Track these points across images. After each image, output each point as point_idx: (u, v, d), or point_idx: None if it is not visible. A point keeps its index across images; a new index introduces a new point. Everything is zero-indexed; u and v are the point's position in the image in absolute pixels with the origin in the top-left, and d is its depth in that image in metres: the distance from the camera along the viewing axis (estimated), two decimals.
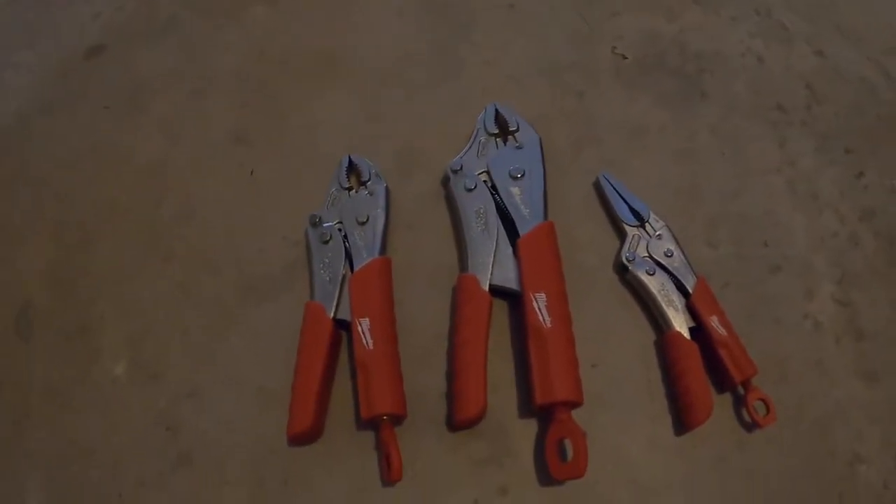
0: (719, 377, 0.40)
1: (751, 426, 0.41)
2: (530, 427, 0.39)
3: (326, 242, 0.42)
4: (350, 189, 0.44)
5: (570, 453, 0.37)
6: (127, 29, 0.55)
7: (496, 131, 0.45)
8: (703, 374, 0.39)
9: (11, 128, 0.51)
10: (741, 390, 0.41)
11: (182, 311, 0.44)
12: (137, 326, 0.44)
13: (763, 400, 0.40)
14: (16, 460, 0.41)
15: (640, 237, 0.43)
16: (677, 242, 0.43)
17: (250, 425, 0.41)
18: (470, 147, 0.45)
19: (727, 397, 0.41)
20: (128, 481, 0.40)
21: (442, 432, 0.40)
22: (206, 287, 0.44)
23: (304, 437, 0.39)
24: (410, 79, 0.51)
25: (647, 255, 0.43)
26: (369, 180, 0.44)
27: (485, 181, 0.43)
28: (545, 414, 0.38)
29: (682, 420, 0.39)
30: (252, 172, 0.47)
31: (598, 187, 0.46)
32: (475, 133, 0.45)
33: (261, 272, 0.44)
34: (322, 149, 0.47)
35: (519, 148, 0.44)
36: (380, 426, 0.38)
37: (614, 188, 0.45)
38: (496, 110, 0.45)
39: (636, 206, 0.44)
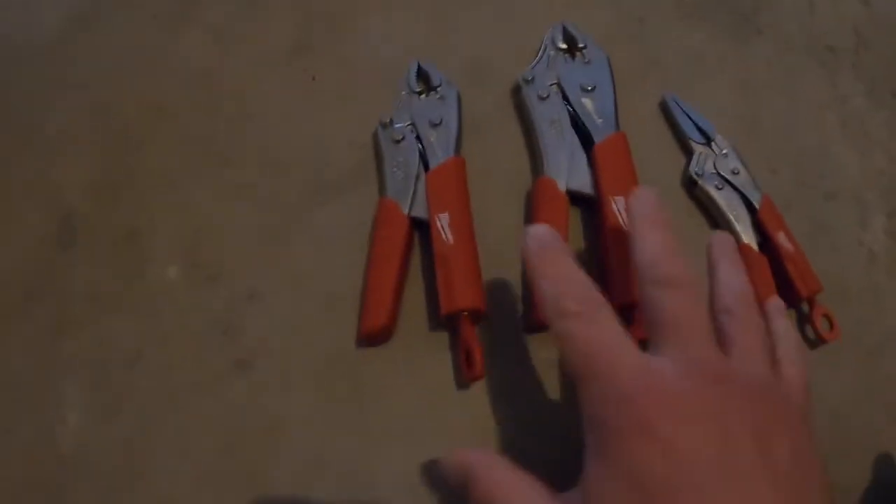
0: (785, 292, 0.40)
1: (814, 342, 0.41)
2: None
3: (399, 142, 0.41)
4: (420, 93, 0.43)
5: None
6: None
7: (564, 47, 0.45)
8: (773, 284, 0.40)
9: (52, 39, 0.49)
10: (805, 307, 0.41)
11: (240, 214, 0.42)
12: (192, 230, 0.42)
13: (827, 316, 0.40)
14: (57, 371, 0.39)
15: (707, 154, 0.43)
16: (743, 161, 0.43)
17: (316, 328, 0.39)
18: (539, 60, 0.45)
19: (791, 313, 0.42)
20: (179, 386, 0.38)
21: (517, 337, 0.39)
22: (266, 189, 0.43)
23: (377, 335, 0.37)
24: None
25: (714, 171, 0.43)
26: (440, 85, 0.43)
27: (556, 92, 0.43)
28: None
29: None
30: (314, 78, 0.46)
31: (664, 107, 0.46)
32: (543, 48, 0.45)
33: (325, 174, 0.43)
34: (385, 57, 0.46)
35: (588, 63, 0.44)
36: (459, 322, 0.36)
37: (680, 107, 0.45)
38: (564, 27, 0.45)
39: (703, 125, 0.44)
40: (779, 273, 0.40)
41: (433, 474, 0.35)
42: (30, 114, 0.46)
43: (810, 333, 0.41)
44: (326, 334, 0.39)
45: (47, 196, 0.44)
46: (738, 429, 0.25)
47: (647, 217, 0.31)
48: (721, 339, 0.30)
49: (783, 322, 0.34)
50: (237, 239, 0.42)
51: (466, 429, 0.37)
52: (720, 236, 0.33)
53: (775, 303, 0.35)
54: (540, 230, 0.30)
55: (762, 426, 0.25)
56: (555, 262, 0.29)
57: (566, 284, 0.28)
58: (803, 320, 0.41)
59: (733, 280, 0.31)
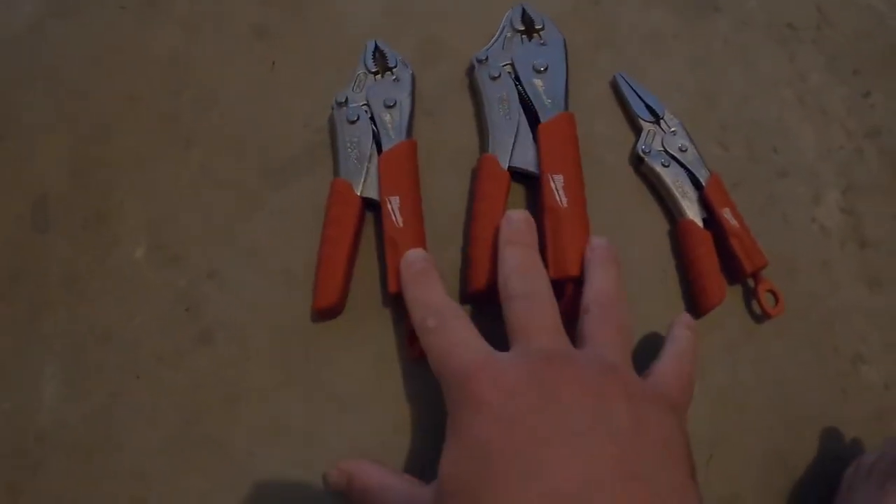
0: (730, 268, 0.42)
1: (760, 317, 0.42)
2: None
3: (353, 122, 0.42)
4: (376, 73, 0.44)
5: None
6: None
7: (522, 28, 0.46)
8: (716, 259, 0.41)
9: (23, 29, 0.50)
10: (751, 282, 0.42)
11: (203, 195, 0.44)
12: (157, 211, 0.44)
13: (772, 291, 0.41)
14: (33, 347, 0.41)
15: (655, 132, 0.44)
16: (691, 139, 0.44)
17: (272, 304, 0.41)
18: (496, 41, 0.45)
19: (737, 289, 0.43)
20: (146, 361, 0.40)
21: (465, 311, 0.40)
22: (227, 171, 0.44)
23: (329, 311, 0.39)
24: None
25: (662, 148, 0.44)
26: (395, 66, 0.44)
27: (508, 72, 0.44)
28: (558, 290, 0.38)
29: (697, 304, 0.41)
30: (273, 64, 0.47)
31: (614, 86, 0.47)
32: (501, 28, 0.46)
33: (283, 156, 0.44)
34: (343, 41, 0.47)
35: (543, 45, 0.45)
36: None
37: (630, 86, 0.46)
38: (523, 9, 0.46)
39: (651, 104, 0.45)
40: (724, 249, 0.41)
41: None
42: (4, 101, 0.48)
43: (756, 308, 0.42)
44: (282, 309, 0.41)
45: (22, 180, 0.45)
46: (569, 398, 0.27)
47: (507, 238, 0.35)
48: (579, 337, 0.33)
49: (681, 330, 0.36)
50: (199, 220, 0.43)
51: (412, 398, 0.39)
52: (595, 242, 0.37)
53: (683, 316, 0.38)
54: (412, 256, 0.36)
55: (600, 396, 0.27)
56: (422, 286, 0.34)
57: (427, 305, 0.33)
58: (749, 295, 0.42)
59: (597, 282, 0.35)
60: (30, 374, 0.40)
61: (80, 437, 0.39)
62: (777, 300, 0.41)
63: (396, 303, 0.39)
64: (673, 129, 0.44)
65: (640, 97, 0.45)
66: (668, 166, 0.43)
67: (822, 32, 0.51)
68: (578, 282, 0.38)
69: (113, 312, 0.42)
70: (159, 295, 0.42)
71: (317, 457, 0.38)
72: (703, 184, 0.42)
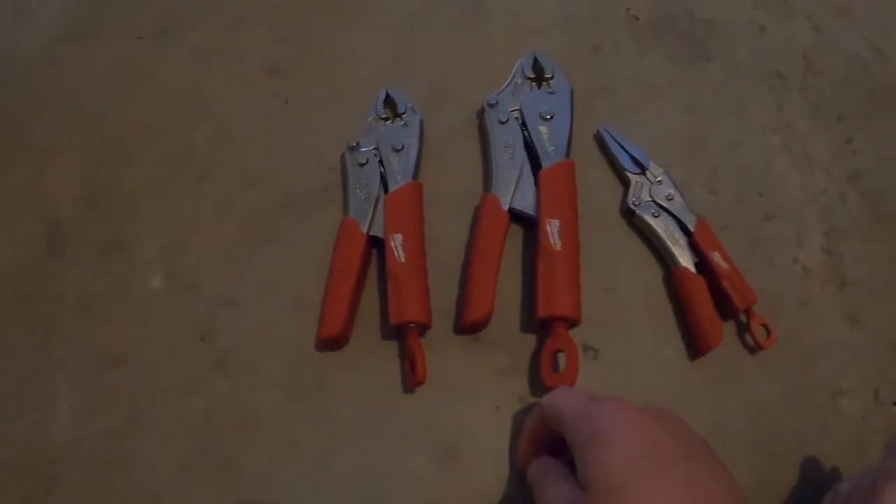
0: (722, 307, 0.44)
1: (753, 350, 0.44)
2: None
3: (363, 165, 0.45)
4: (387, 119, 0.47)
5: (562, 365, 0.40)
6: None
7: (532, 76, 0.48)
8: (711, 303, 0.43)
9: (40, 54, 0.52)
10: (743, 318, 0.44)
11: (218, 227, 0.46)
12: (173, 241, 0.46)
13: (764, 325, 0.43)
14: (48, 368, 0.43)
15: (642, 183, 0.47)
16: (676, 187, 0.46)
17: (284, 334, 0.43)
18: (506, 86, 0.48)
19: (728, 325, 0.45)
20: (161, 388, 0.42)
21: (466, 345, 0.42)
22: (242, 205, 0.47)
23: (332, 342, 0.41)
24: (438, 23, 0.54)
25: (650, 199, 0.46)
26: (405, 112, 0.46)
27: (516, 118, 0.47)
28: (546, 328, 0.41)
29: (696, 346, 0.43)
30: (287, 102, 0.50)
31: (599, 139, 0.49)
32: (513, 75, 0.48)
33: (296, 192, 0.47)
34: (354, 83, 0.50)
35: (551, 93, 0.48)
36: (406, 333, 0.40)
37: (615, 139, 0.48)
38: (535, 57, 0.49)
39: (636, 155, 0.47)
40: (716, 290, 0.44)
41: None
42: (21, 125, 0.50)
43: (749, 341, 0.44)
44: (293, 339, 0.43)
45: (38, 205, 0.48)
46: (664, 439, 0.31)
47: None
48: None
49: None
50: (214, 250, 0.45)
51: (414, 426, 0.41)
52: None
53: None
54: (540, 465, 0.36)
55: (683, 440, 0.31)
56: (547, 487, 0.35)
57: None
58: (742, 330, 0.44)
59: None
60: (45, 394, 0.42)
61: (93, 458, 0.41)
62: (769, 333, 0.43)
63: (397, 334, 0.42)
64: (659, 178, 0.47)
65: (624, 149, 0.48)
66: (657, 216, 0.45)
67: (807, 81, 0.54)
68: (566, 321, 0.40)
69: (129, 338, 0.44)
70: (175, 323, 0.44)
71: (327, 480, 0.40)
72: (692, 229, 0.45)
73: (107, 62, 0.53)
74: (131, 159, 0.49)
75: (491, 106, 0.47)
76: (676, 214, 0.45)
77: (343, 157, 0.46)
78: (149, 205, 0.47)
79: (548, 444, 0.36)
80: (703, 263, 0.44)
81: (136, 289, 0.45)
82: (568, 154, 0.46)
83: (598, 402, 0.32)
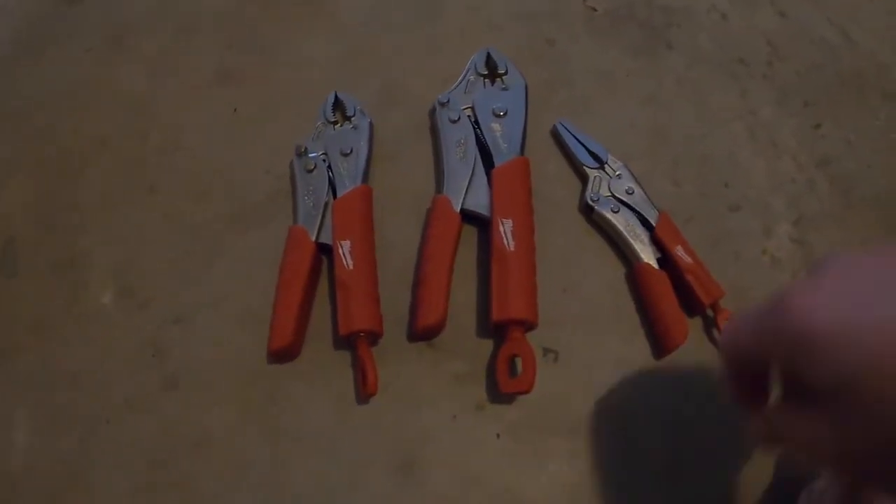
0: (687, 302, 0.43)
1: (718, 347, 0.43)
2: None
3: (311, 171, 0.43)
4: (335, 123, 0.46)
5: (520, 370, 0.39)
6: None
7: (486, 72, 0.47)
8: (675, 299, 0.42)
9: None
10: (710, 313, 0.43)
11: (168, 241, 0.45)
12: (124, 256, 0.45)
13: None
14: (4, 391, 0.42)
15: (601, 178, 0.45)
16: (637, 180, 0.45)
17: (236, 347, 0.42)
18: (459, 84, 0.47)
19: (695, 321, 0.44)
20: (115, 406, 0.41)
21: (421, 352, 0.41)
22: (191, 217, 0.46)
23: (283, 354, 0.40)
24: (392, 22, 0.53)
25: (609, 194, 0.45)
26: (354, 115, 0.45)
27: (468, 116, 0.45)
28: (502, 333, 0.40)
29: (660, 344, 0.42)
30: (235, 110, 0.49)
31: (555, 135, 0.48)
32: (465, 72, 0.47)
33: (245, 202, 0.46)
34: (305, 88, 0.49)
35: (505, 89, 0.46)
36: (356, 343, 0.39)
37: (571, 133, 0.47)
38: (488, 53, 0.47)
39: (594, 149, 0.46)
40: (681, 285, 0.42)
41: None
42: None
43: (717, 337, 0.43)
44: (246, 353, 0.42)
45: None
46: None
47: None
48: None
49: None
50: (165, 265, 0.44)
51: (370, 438, 0.40)
52: None
53: None
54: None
55: None
56: None
57: None
58: (709, 326, 0.43)
59: None
60: (1, 418, 0.41)
61: (48, 482, 0.40)
62: None
63: (350, 344, 0.40)
64: (618, 172, 0.45)
65: (581, 143, 0.46)
66: (617, 212, 0.44)
67: (772, 67, 0.53)
68: (522, 324, 0.39)
69: (81, 358, 0.43)
70: (127, 340, 0.43)
71: (284, 498, 0.39)
72: (653, 223, 0.43)
73: (57, 76, 0.52)
74: (83, 173, 0.48)
75: (442, 105, 0.46)
76: (637, 209, 0.44)
77: (292, 163, 0.45)
78: (100, 219, 0.46)
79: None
80: (666, 258, 0.43)
81: (88, 306, 0.44)
82: (522, 151, 0.44)
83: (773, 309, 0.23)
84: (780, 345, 0.23)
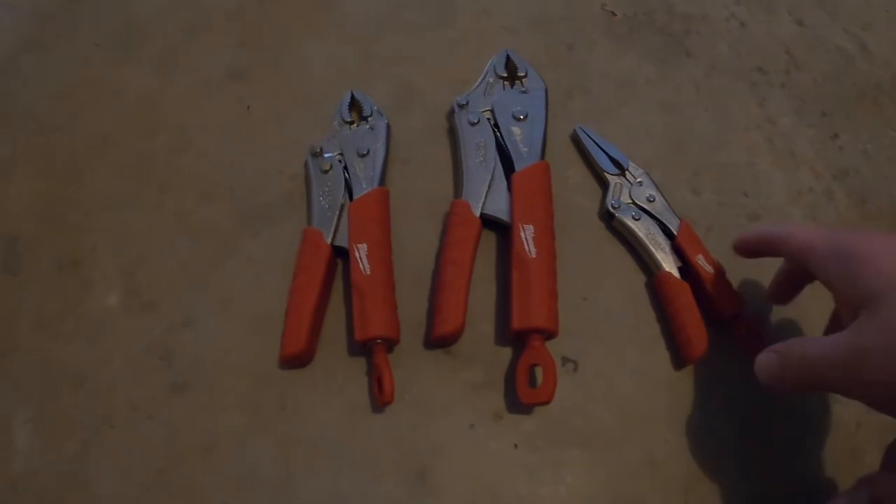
0: (708, 313, 0.42)
1: (742, 357, 0.42)
2: None
3: (326, 172, 0.42)
4: (352, 123, 0.45)
5: (539, 380, 0.38)
6: None
7: (505, 75, 0.46)
8: (697, 310, 0.41)
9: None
10: (730, 324, 0.42)
11: (177, 241, 0.44)
12: (131, 257, 0.44)
13: (753, 331, 0.41)
14: (5, 392, 0.40)
15: (622, 185, 0.45)
16: (658, 188, 0.45)
17: (246, 352, 0.41)
18: (477, 86, 0.46)
19: (713, 332, 0.43)
20: (120, 410, 0.40)
21: (438, 359, 0.40)
22: (201, 217, 0.44)
23: (296, 359, 0.39)
24: (406, 23, 0.52)
25: (630, 201, 0.44)
26: (371, 115, 0.45)
27: (488, 119, 0.45)
28: (522, 341, 0.39)
29: (682, 354, 0.41)
30: (248, 108, 0.48)
31: (575, 139, 0.47)
32: (484, 74, 0.46)
33: (257, 203, 0.45)
34: (318, 87, 0.48)
35: (524, 92, 0.46)
36: (373, 350, 0.38)
37: (592, 139, 0.46)
38: (507, 56, 0.47)
39: (615, 156, 0.45)
40: (701, 295, 0.42)
41: None
42: None
43: (738, 348, 0.42)
44: (256, 358, 0.41)
45: None
46: None
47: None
48: None
49: None
50: (173, 266, 0.43)
51: (383, 447, 0.39)
52: None
53: None
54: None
55: None
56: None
57: None
58: (730, 337, 0.42)
59: None
60: (2, 419, 0.40)
61: (52, 486, 0.38)
62: (757, 339, 0.41)
63: (365, 350, 0.39)
64: (639, 179, 0.45)
65: (602, 150, 0.46)
66: (638, 219, 0.43)
67: (791, 76, 0.52)
68: (542, 333, 0.38)
69: (86, 359, 0.41)
70: (133, 342, 0.42)
71: None
72: (675, 232, 0.43)
73: (64, 73, 0.51)
74: (89, 172, 0.47)
75: (461, 107, 0.45)
76: (658, 217, 0.43)
77: (306, 163, 0.44)
78: (106, 219, 0.45)
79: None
80: (687, 268, 0.42)
81: (93, 307, 0.43)
82: (542, 156, 0.44)
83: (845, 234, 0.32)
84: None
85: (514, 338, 0.39)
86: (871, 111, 0.52)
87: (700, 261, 0.42)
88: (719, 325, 0.42)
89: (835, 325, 0.38)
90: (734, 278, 0.43)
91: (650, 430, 0.40)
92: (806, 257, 0.33)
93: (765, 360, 0.34)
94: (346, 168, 0.43)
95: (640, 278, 0.44)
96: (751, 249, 0.39)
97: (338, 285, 0.42)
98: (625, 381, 0.41)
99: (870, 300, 0.29)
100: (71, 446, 0.39)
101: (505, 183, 0.42)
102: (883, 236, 0.31)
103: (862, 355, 0.29)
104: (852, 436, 0.42)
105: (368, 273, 0.38)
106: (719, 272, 0.42)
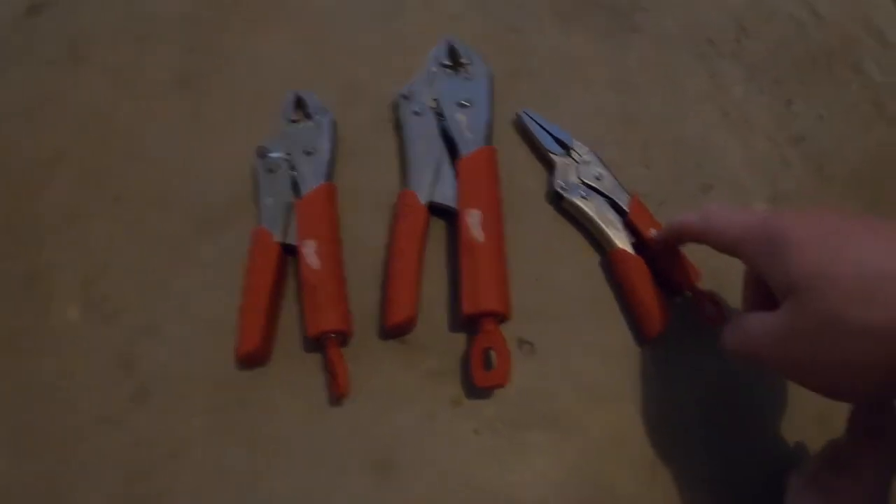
0: (664, 286, 0.42)
1: (703, 328, 0.42)
2: None
3: (273, 172, 0.43)
4: (296, 122, 0.45)
5: (495, 363, 0.38)
6: None
7: (448, 63, 0.46)
8: (654, 285, 0.41)
9: None
10: (689, 295, 0.42)
11: (134, 251, 0.44)
12: (89, 269, 0.44)
13: (712, 301, 0.41)
14: None
15: (568, 165, 0.45)
16: (605, 165, 0.44)
17: (206, 355, 0.41)
18: (421, 77, 0.46)
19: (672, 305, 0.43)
20: (87, 420, 0.40)
21: (394, 350, 0.41)
22: (157, 225, 0.45)
23: (252, 358, 0.39)
24: (352, 17, 0.52)
25: (578, 180, 0.44)
26: (315, 113, 0.45)
27: (432, 108, 0.45)
28: (475, 326, 0.39)
29: (642, 330, 0.41)
30: (197, 114, 0.48)
31: (519, 124, 0.47)
32: (427, 64, 0.46)
33: (210, 207, 0.45)
34: (268, 88, 0.48)
35: (469, 79, 0.46)
36: (326, 344, 0.38)
37: (535, 121, 0.46)
38: (449, 43, 0.47)
39: (559, 136, 0.45)
40: (657, 269, 0.42)
41: None
42: None
43: (697, 319, 0.42)
44: (216, 360, 0.41)
45: None
46: None
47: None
48: None
49: None
50: (131, 275, 0.43)
51: (345, 440, 0.39)
52: None
53: None
54: None
55: None
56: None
57: None
58: (689, 308, 0.42)
59: None
60: None
61: (23, 502, 0.39)
62: (717, 309, 0.41)
63: (320, 345, 0.40)
64: (586, 158, 0.45)
65: (546, 131, 0.46)
66: (587, 198, 0.43)
67: (741, 45, 0.52)
68: (494, 316, 0.38)
69: (50, 373, 0.41)
70: (96, 353, 0.42)
71: None
72: (626, 208, 0.43)
73: (18, 90, 0.51)
74: (46, 186, 0.47)
75: (405, 98, 0.45)
76: (608, 194, 0.43)
77: (254, 164, 0.45)
78: (65, 232, 0.45)
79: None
80: (640, 243, 0.42)
81: (54, 321, 0.43)
82: (489, 141, 0.44)
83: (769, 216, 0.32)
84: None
85: (467, 323, 0.39)
86: (824, 76, 0.52)
87: (653, 234, 0.42)
88: (679, 296, 0.43)
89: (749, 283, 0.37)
90: (689, 250, 0.42)
91: (614, 409, 0.40)
92: (734, 247, 0.34)
93: (722, 333, 0.34)
94: (292, 167, 0.43)
95: (594, 258, 0.44)
96: (671, 244, 0.40)
97: (291, 284, 0.42)
98: (584, 361, 0.41)
99: (796, 287, 0.29)
100: (44, 462, 0.39)
101: (452, 171, 0.43)
102: (795, 214, 0.31)
103: (792, 336, 0.29)
104: (819, 400, 0.42)
105: (318, 269, 0.39)
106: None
